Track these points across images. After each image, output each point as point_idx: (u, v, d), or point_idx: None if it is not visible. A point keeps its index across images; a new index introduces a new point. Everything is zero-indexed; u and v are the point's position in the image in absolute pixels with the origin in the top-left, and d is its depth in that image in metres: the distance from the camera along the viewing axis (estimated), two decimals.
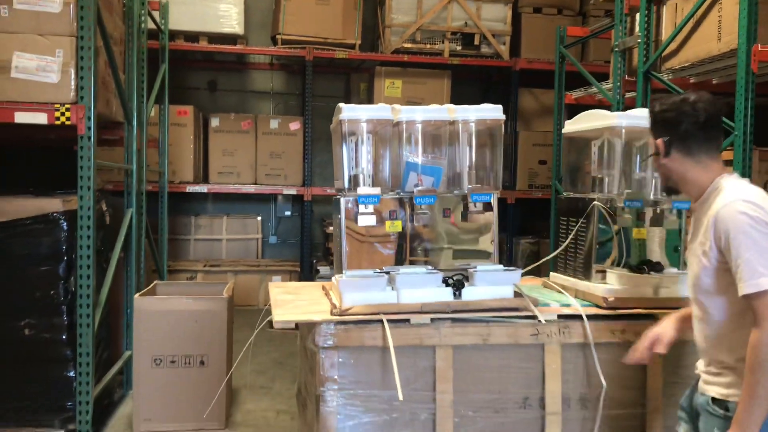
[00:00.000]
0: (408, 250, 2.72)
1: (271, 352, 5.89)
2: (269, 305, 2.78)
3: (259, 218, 8.42)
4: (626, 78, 5.29)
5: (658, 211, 2.86)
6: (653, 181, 2.83)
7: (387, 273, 2.61)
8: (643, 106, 4.82)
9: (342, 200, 2.60)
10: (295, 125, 7.82)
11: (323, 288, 3.02)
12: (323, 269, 7.30)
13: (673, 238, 2.89)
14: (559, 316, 2.62)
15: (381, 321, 2.47)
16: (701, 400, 2.13)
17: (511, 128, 8.00)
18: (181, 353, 4.13)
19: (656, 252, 2.91)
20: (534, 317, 2.58)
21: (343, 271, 2.62)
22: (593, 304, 2.76)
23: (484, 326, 2.55)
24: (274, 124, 7.82)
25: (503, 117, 2.71)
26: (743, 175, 3.62)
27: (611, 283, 2.77)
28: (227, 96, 8.51)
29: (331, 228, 7.28)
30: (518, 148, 7.95)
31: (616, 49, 5.31)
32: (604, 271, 2.82)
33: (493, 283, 2.63)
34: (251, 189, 7.75)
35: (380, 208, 2.60)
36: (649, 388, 2.69)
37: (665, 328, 2.35)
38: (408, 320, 2.51)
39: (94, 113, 3.68)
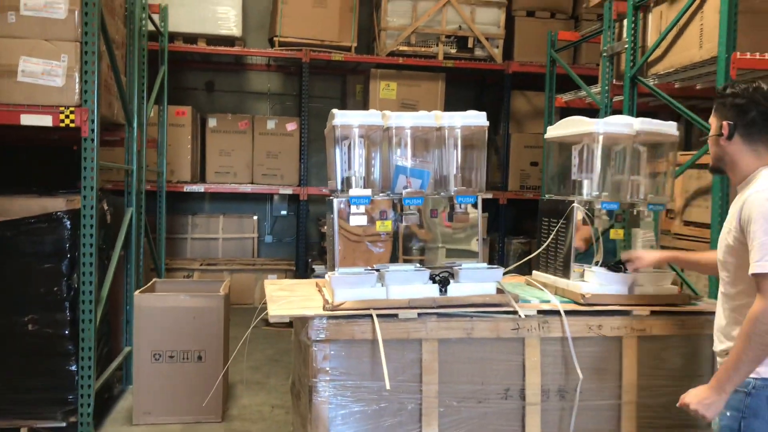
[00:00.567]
0: (397, 248, 2.86)
1: (267, 350, 5.98)
2: (265, 303, 2.85)
3: (255, 217, 8.48)
4: (614, 82, 5.39)
5: (635, 212, 3.00)
6: (629, 184, 2.97)
7: (377, 270, 2.74)
8: (630, 109, 4.95)
9: (335, 201, 2.72)
10: (291, 126, 7.86)
11: (317, 285, 3.12)
12: (318, 268, 7.28)
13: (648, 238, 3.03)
14: (539, 312, 2.75)
15: (371, 315, 2.59)
16: None
17: (503, 130, 8.07)
18: (180, 349, 4.24)
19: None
20: (515, 313, 2.70)
21: (336, 269, 2.73)
22: (572, 300, 2.88)
23: (468, 321, 2.68)
24: (270, 124, 7.86)
25: (487, 123, 2.82)
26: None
27: (589, 281, 2.90)
28: (225, 97, 8.56)
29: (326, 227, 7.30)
30: (510, 149, 8.00)
31: (605, 54, 5.43)
32: (582, 270, 2.95)
33: (477, 281, 2.76)
34: (248, 189, 7.78)
35: (371, 208, 2.71)
36: (624, 380, 2.82)
37: (651, 253, 2.52)
38: (396, 315, 2.63)
39: (97, 116, 3.77)
